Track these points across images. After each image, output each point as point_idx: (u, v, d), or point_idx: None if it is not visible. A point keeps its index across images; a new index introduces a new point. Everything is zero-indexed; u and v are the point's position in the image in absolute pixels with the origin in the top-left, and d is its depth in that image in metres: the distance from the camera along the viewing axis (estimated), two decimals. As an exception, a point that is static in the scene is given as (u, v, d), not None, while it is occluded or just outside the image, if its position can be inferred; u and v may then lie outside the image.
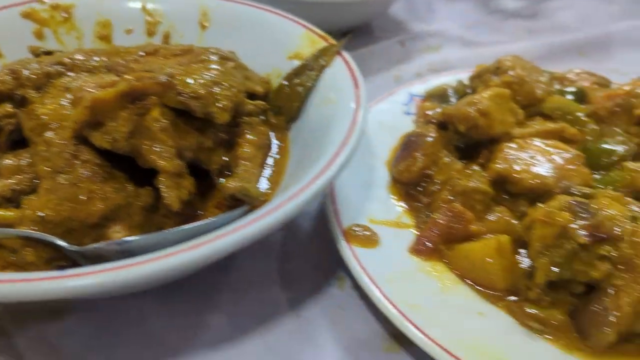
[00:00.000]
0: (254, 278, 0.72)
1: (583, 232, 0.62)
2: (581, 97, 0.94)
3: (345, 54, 0.83)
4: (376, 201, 0.78)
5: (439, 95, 0.98)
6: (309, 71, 0.84)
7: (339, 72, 0.80)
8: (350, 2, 1.20)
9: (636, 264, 0.60)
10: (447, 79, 1.03)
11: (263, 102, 0.80)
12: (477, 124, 0.80)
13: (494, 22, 1.45)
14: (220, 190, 0.71)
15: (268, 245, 0.77)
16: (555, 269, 0.63)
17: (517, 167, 0.76)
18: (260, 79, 0.86)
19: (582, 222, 0.63)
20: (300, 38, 0.89)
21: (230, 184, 0.68)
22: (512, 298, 0.67)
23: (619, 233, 0.62)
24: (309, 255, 0.76)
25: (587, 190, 0.72)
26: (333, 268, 0.74)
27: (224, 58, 0.80)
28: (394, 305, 0.62)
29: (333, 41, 0.86)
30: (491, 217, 0.74)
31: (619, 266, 0.61)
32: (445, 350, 0.57)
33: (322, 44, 0.86)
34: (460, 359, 0.57)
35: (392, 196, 0.79)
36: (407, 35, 1.32)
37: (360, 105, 0.72)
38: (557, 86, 0.98)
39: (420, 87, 1.01)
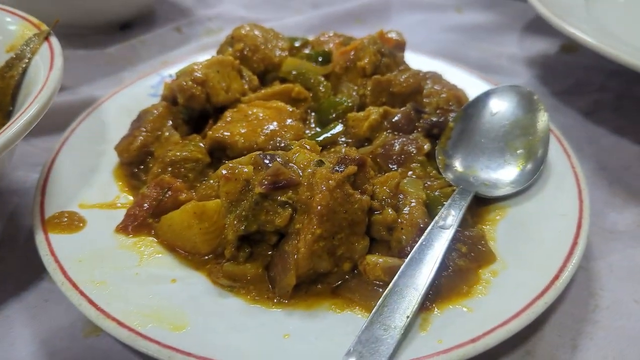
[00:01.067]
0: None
1: (264, 182, 0.62)
2: (326, 58, 0.96)
3: (53, 39, 0.79)
4: (95, 185, 0.75)
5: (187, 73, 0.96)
6: (19, 61, 0.79)
7: (43, 57, 0.77)
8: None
9: (312, 206, 0.61)
10: (205, 58, 1.02)
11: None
12: (193, 94, 0.79)
13: (278, 0, 1.45)
14: None
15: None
16: (242, 224, 0.62)
17: (232, 132, 0.76)
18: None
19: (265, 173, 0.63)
20: (16, 29, 0.84)
21: None
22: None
23: (298, 178, 0.63)
24: (26, 254, 0.72)
25: (291, 144, 0.73)
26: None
27: None
28: (74, 285, 0.59)
29: (45, 28, 0.82)
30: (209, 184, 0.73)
31: (300, 210, 0.62)
32: (117, 321, 0.56)
33: (35, 31, 0.82)
34: (133, 328, 0.55)
35: (115, 179, 0.77)
36: (185, 21, 1.29)
37: (46, 86, 0.69)
38: (307, 51, 0.99)
39: (173, 69, 0.99)
